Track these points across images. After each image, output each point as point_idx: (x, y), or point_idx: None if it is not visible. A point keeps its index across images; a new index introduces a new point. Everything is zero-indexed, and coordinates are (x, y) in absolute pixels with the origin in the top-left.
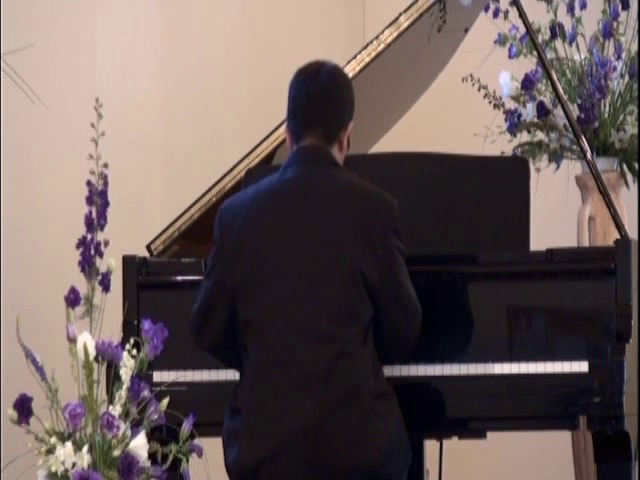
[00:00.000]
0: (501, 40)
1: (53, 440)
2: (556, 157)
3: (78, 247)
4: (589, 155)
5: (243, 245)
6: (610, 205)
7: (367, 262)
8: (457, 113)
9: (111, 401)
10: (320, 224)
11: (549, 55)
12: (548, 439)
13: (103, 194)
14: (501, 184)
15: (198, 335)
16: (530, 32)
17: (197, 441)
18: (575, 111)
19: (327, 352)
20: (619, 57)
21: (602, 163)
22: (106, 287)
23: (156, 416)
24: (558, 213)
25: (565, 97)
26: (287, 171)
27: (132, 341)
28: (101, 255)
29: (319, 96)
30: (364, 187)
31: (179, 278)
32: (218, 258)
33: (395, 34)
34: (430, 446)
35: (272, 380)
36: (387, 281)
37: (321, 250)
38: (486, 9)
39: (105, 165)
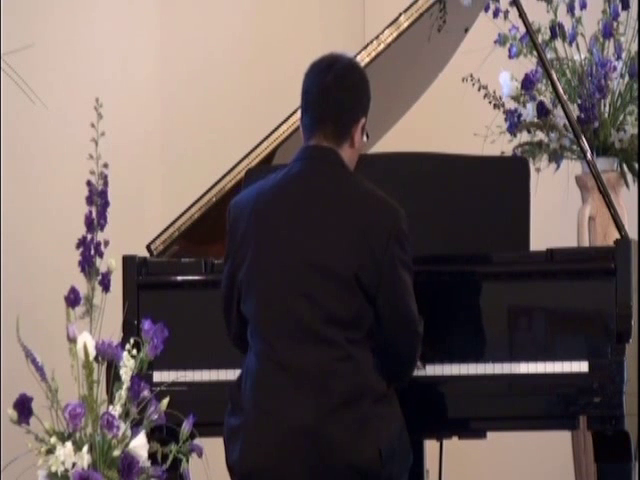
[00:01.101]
0: (501, 40)
1: (53, 440)
2: (556, 157)
3: (78, 247)
4: (589, 155)
5: (247, 244)
6: (610, 205)
7: (365, 269)
8: (457, 113)
9: (111, 401)
10: (322, 226)
11: (549, 55)
12: (548, 439)
13: (103, 194)
14: (501, 184)
15: (227, 327)
16: (530, 32)
17: (197, 441)
18: (575, 111)
19: (327, 354)
20: (619, 57)
21: (602, 163)
22: (106, 287)
23: (156, 416)
24: (558, 213)
25: (565, 97)
26: (292, 169)
27: (132, 341)
28: (101, 255)
29: (331, 91)
30: (370, 193)
31: (179, 278)
32: (228, 255)
33: (395, 34)
34: (430, 446)
35: (274, 380)
36: (384, 291)
37: (322, 253)
38: (486, 9)
39: (105, 165)
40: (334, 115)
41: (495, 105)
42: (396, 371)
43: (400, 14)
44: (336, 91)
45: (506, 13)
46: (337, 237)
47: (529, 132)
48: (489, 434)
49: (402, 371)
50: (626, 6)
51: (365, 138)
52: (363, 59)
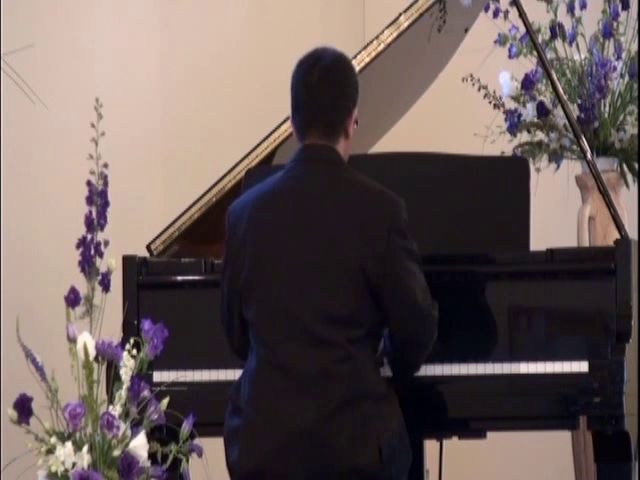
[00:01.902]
0: (501, 40)
1: (53, 440)
2: (556, 157)
3: (78, 247)
4: (589, 155)
5: (247, 246)
6: (610, 205)
7: (369, 263)
8: (457, 113)
9: (111, 401)
10: (322, 225)
11: (549, 55)
12: (548, 439)
13: (103, 194)
14: (501, 184)
15: (228, 340)
16: (530, 32)
17: (197, 441)
18: (575, 111)
19: (328, 354)
20: (619, 57)
21: (602, 163)
22: (106, 287)
23: (156, 416)
24: (558, 213)
25: (565, 97)
26: (290, 170)
27: (132, 341)
28: (101, 255)
29: (321, 91)
30: (368, 186)
31: (179, 278)
32: (227, 261)
33: (395, 34)
34: (430, 446)
35: (273, 380)
36: (390, 283)
37: (322, 251)
38: (486, 9)
39: (105, 165)
40: (326, 114)
41: (495, 105)
42: (410, 357)
43: (400, 14)
44: (324, 91)
45: (506, 13)
46: (338, 234)
47: (529, 132)
48: (489, 434)
49: (415, 355)
50: (626, 6)
51: (355, 125)
52: (363, 59)
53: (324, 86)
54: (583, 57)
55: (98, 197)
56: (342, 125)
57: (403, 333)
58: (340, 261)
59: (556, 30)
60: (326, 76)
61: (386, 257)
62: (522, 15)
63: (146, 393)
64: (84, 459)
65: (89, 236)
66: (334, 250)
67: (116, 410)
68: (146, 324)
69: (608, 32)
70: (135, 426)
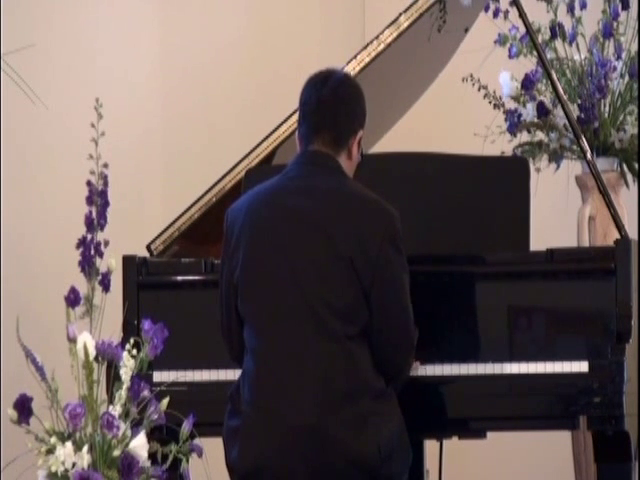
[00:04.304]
0: (501, 40)
1: (53, 440)
2: (556, 157)
3: (78, 247)
4: (589, 155)
5: (244, 240)
6: (610, 205)
7: (360, 264)
8: (457, 113)
9: (111, 401)
10: (318, 222)
11: (549, 55)
12: (548, 439)
13: (103, 194)
14: (501, 184)
15: (228, 346)
16: (530, 32)
17: (197, 441)
18: (575, 111)
19: (327, 351)
20: (619, 57)
21: (602, 163)
22: (106, 287)
23: (156, 416)
24: (558, 213)
25: (565, 97)
26: (290, 171)
27: (132, 341)
28: (101, 255)
29: (329, 100)
30: (365, 195)
31: (179, 278)
32: (224, 258)
33: (395, 34)
34: (430, 446)
35: (272, 377)
36: (379, 287)
37: (318, 246)
38: (486, 9)
39: (105, 165)
40: (332, 124)
41: (495, 105)
42: (388, 373)
43: (400, 14)
44: (333, 102)
45: (506, 13)
46: (333, 232)
47: (529, 132)
48: (489, 434)
49: (394, 375)
50: (626, 6)
51: (360, 156)
52: (363, 59)
53: (333, 99)
54: (583, 57)
55: (98, 197)
56: (346, 141)
57: (380, 349)
58: (335, 257)
59: (556, 30)
60: (338, 88)
61: (376, 262)
62: (522, 15)
63: (146, 393)
64: (84, 459)
65: (89, 236)
66: (330, 246)
67: (116, 410)
68: (146, 324)
69: (608, 32)
70: (135, 426)
